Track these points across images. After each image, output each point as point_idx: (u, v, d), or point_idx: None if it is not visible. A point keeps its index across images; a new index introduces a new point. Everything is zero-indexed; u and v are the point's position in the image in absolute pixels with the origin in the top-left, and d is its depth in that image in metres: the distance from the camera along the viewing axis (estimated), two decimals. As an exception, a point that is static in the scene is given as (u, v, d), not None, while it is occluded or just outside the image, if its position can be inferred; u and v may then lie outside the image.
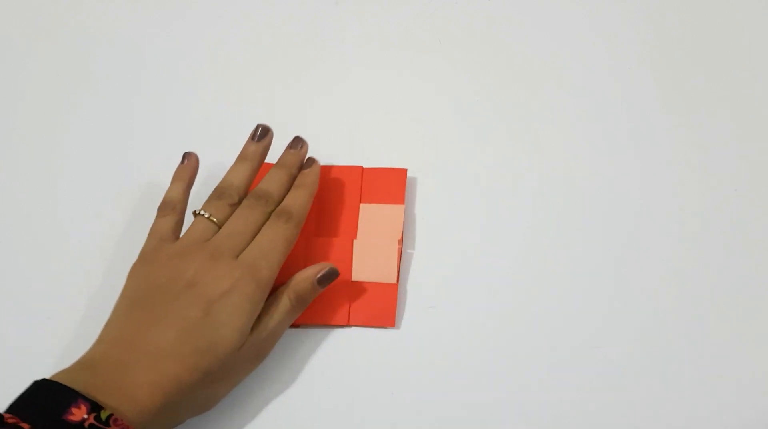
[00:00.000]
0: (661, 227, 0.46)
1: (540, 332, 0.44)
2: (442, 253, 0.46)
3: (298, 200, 0.42)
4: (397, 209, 0.45)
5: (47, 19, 0.53)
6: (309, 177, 0.44)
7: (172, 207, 0.42)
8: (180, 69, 0.51)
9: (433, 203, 0.47)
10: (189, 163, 0.44)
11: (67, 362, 0.42)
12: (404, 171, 0.47)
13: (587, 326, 0.44)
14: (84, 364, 0.36)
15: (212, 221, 0.40)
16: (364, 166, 0.47)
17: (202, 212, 0.41)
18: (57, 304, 0.45)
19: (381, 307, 0.44)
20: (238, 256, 0.39)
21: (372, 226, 0.45)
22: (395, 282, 0.44)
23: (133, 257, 0.44)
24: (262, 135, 0.44)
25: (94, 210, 0.47)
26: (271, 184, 0.42)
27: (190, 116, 0.50)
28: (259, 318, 0.39)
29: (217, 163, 0.48)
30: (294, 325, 0.43)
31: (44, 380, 0.34)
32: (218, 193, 0.42)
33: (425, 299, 0.45)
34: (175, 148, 0.49)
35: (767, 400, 0.42)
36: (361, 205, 0.46)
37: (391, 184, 0.46)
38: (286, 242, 0.40)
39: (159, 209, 0.43)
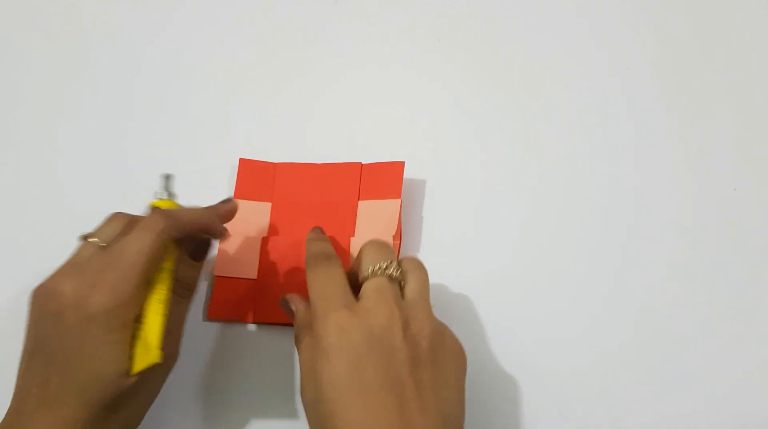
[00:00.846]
0: (661, 227, 0.46)
1: (539, 331, 0.44)
2: (442, 253, 0.46)
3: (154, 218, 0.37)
4: (393, 204, 0.45)
5: (47, 19, 0.53)
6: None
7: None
8: (179, 69, 0.51)
9: (433, 202, 0.47)
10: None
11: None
12: (402, 164, 0.46)
13: (586, 324, 0.44)
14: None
15: (97, 243, 0.37)
16: (363, 163, 0.47)
17: (87, 234, 0.38)
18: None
19: None
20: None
21: (369, 223, 0.45)
22: None
23: None
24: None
25: (93, 209, 0.47)
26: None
27: (190, 116, 0.50)
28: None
29: (218, 163, 0.48)
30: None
31: None
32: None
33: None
34: (175, 148, 0.49)
35: (766, 399, 0.42)
36: (360, 203, 0.46)
37: (388, 178, 0.46)
38: (140, 254, 0.35)
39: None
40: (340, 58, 0.51)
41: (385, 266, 0.36)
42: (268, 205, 0.47)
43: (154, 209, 0.37)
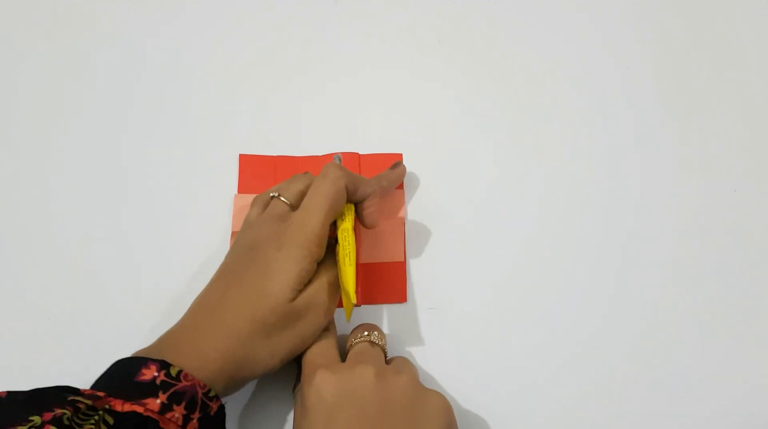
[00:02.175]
0: (661, 227, 0.46)
1: (539, 332, 0.44)
2: (442, 254, 0.46)
3: (333, 167, 0.42)
4: (397, 192, 0.47)
5: (46, 18, 0.53)
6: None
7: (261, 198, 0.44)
8: (179, 69, 0.51)
9: (431, 201, 0.47)
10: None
11: (66, 362, 0.42)
12: (400, 156, 0.48)
13: (587, 324, 0.44)
14: (163, 337, 0.37)
15: (284, 201, 0.42)
16: (361, 153, 0.48)
17: (275, 194, 0.43)
18: (57, 303, 0.45)
19: (392, 284, 0.45)
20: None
21: None
22: (403, 260, 0.46)
23: (130, 256, 0.45)
24: None
25: (92, 209, 0.47)
26: None
27: (190, 116, 0.50)
28: (316, 273, 0.40)
29: (217, 162, 0.48)
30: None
31: (121, 358, 0.35)
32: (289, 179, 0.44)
33: (425, 301, 0.45)
34: (175, 148, 0.49)
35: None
36: None
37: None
38: (324, 198, 0.40)
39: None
40: (340, 57, 0.52)
41: (366, 333, 0.40)
42: None
43: (331, 163, 0.41)
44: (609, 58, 0.51)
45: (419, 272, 0.46)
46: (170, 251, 0.46)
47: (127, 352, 0.36)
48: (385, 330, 0.44)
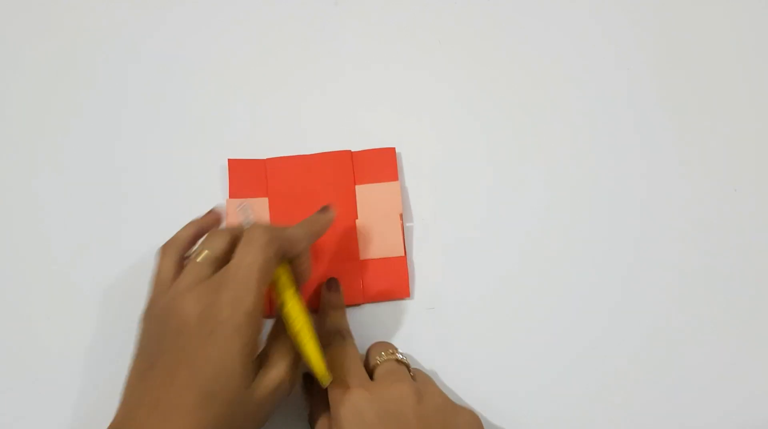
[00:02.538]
0: (661, 226, 0.46)
1: (541, 333, 0.44)
2: (442, 254, 0.46)
3: (260, 231, 0.37)
4: (393, 186, 0.47)
5: (44, 17, 0.53)
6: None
7: (175, 246, 0.39)
8: (178, 69, 0.51)
9: (432, 202, 0.47)
10: (209, 216, 0.42)
11: (65, 362, 0.42)
12: (392, 149, 0.48)
13: (589, 322, 0.44)
14: None
15: (207, 259, 0.37)
16: (353, 150, 0.48)
17: (196, 250, 0.38)
18: (57, 303, 0.45)
19: (393, 280, 0.45)
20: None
21: (371, 205, 0.46)
22: (403, 255, 0.45)
23: (126, 255, 0.46)
24: None
25: (92, 208, 0.47)
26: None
27: (189, 116, 0.50)
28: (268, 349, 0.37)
29: (217, 162, 0.48)
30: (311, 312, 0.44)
31: None
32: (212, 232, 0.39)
33: (425, 302, 0.45)
34: (175, 147, 0.49)
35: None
36: (357, 187, 0.47)
37: (382, 164, 0.47)
38: (253, 271, 0.35)
39: (160, 249, 0.40)
40: (340, 58, 0.51)
41: (391, 352, 0.39)
42: (265, 200, 0.47)
43: (255, 224, 0.37)
44: (609, 58, 0.51)
45: (419, 272, 0.46)
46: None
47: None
48: (385, 330, 0.44)
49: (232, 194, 0.47)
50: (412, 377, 0.38)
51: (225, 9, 0.53)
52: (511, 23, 0.52)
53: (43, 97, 0.50)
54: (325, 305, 0.43)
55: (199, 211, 0.47)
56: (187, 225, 0.41)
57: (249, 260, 0.35)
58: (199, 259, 0.37)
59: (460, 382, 0.43)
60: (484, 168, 0.48)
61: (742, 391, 0.43)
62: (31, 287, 0.46)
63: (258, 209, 0.47)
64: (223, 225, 0.43)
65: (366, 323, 0.44)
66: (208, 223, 0.42)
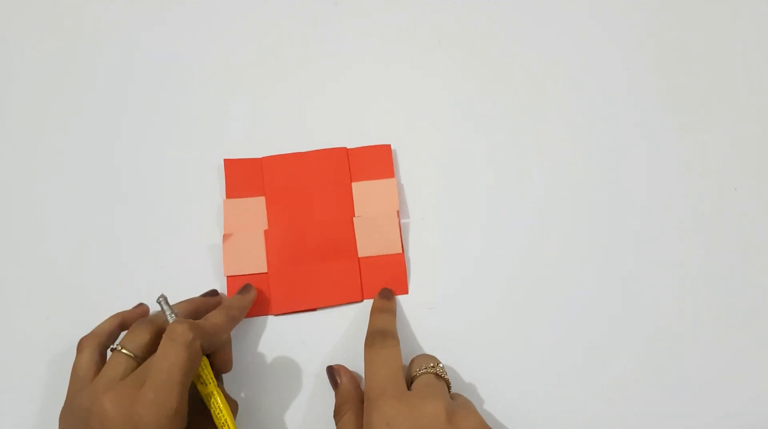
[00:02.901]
0: (662, 226, 0.46)
1: (542, 334, 0.44)
2: (442, 254, 0.46)
3: (182, 327, 0.36)
4: (389, 183, 0.47)
5: (42, 17, 0.53)
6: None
7: (95, 340, 0.39)
8: (177, 69, 0.51)
9: (432, 202, 0.47)
10: (135, 309, 0.43)
11: (65, 362, 0.42)
12: (388, 146, 0.48)
13: (590, 322, 0.44)
14: None
15: (128, 355, 0.37)
16: (348, 147, 0.48)
17: (117, 347, 0.37)
18: (57, 303, 0.45)
19: (392, 277, 0.45)
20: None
21: (368, 202, 0.46)
22: (401, 251, 0.45)
23: (126, 255, 0.46)
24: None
25: (91, 208, 0.47)
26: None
27: (189, 116, 0.50)
28: None
29: (217, 162, 0.48)
30: (309, 310, 0.45)
31: None
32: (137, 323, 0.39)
33: (425, 302, 0.45)
34: (175, 147, 0.49)
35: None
36: (354, 184, 0.47)
37: (378, 161, 0.47)
38: (176, 369, 0.35)
39: (78, 343, 0.39)
40: (340, 58, 0.51)
41: (432, 365, 0.39)
42: (262, 199, 0.47)
43: (178, 319, 0.37)
44: (609, 58, 0.51)
45: (419, 272, 0.46)
46: (165, 252, 0.46)
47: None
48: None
49: (229, 194, 0.47)
50: (451, 396, 0.38)
51: (224, 9, 0.53)
52: (511, 23, 0.52)
53: (43, 97, 0.50)
54: (375, 309, 0.43)
55: (198, 210, 0.47)
56: (110, 317, 0.41)
57: (171, 360, 0.35)
58: (120, 355, 0.36)
59: (461, 381, 0.43)
60: (484, 167, 0.48)
61: (742, 391, 0.43)
62: (31, 287, 0.46)
63: (256, 209, 0.47)
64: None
65: (364, 320, 0.44)
66: (132, 316, 0.42)
